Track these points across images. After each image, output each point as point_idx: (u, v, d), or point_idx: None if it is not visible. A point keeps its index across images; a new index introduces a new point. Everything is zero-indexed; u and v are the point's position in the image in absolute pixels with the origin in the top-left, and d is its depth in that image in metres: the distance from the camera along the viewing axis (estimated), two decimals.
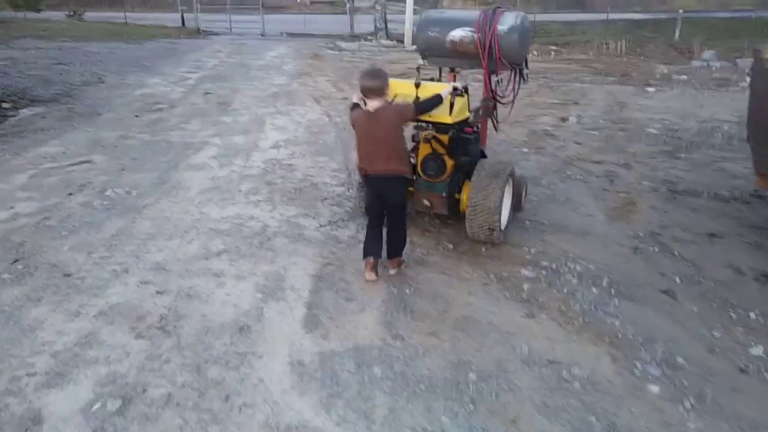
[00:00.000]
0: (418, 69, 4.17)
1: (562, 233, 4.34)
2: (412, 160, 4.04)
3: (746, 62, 14.01)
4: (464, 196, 3.99)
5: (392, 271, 3.69)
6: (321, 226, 4.44)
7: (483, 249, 4.05)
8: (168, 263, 3.80)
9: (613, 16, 26.45)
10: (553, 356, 2.90)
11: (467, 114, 3.99)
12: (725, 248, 4.10)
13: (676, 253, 4.03)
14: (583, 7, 39.46)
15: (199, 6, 24.83)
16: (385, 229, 3.72)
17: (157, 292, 3.43)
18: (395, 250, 3.70)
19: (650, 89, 10.13)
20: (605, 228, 4.45)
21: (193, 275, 3.65)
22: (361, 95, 3.42)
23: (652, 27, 23.67)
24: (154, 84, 10.98)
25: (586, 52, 16.73)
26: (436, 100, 3.59)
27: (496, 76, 4.21)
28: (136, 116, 8.23)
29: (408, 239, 3.91)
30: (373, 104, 3.35)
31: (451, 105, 3.71)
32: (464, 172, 4.05)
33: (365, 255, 3.63)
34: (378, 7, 21.25)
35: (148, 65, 13.46)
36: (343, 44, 19.12)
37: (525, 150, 6.50)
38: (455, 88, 3.76)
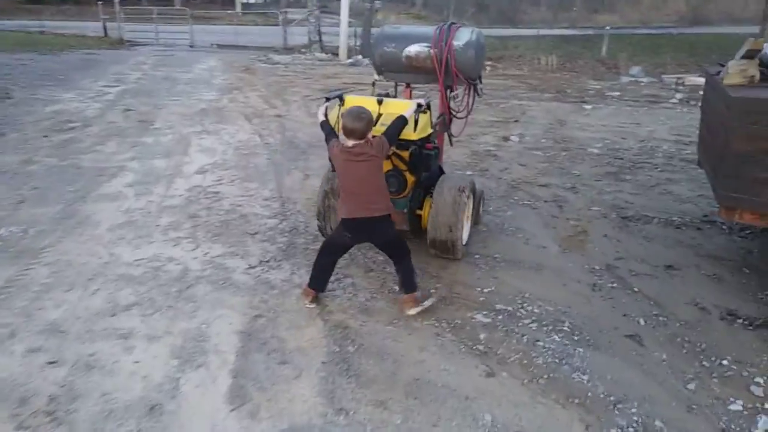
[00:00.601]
0: (373, 84, 4.25)
1: (515, 269, 4.02)
2: None
3: (670, 78, 14.52)
4: (425, 212, 3.97)
5: (412, 311, 3.36)
6: (250, 267, 3.94)
7: (432, 290, 3.67)
8: (66, 322, 3.20)
9: (543, 31, 27.04)
10: (520, 426, 2.52)
11: (430, 130, 3.91)
12: (685, 282, 3.88)
13: (635, 288, 3.77)
14: (513, 22, 40.44)
15: (122, 15, 23.59)
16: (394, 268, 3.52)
17: (49, 363, 2.85)
18: (408, 285, 3.42)
19: (587, 106, 10.13)
20: (560, 261, 4.16)
21: (95, 338, 3.07)
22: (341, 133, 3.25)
23: (580, 43, 24.23)
24: (68, 100, 10.10)
25: (520, 67, 16.83)
26: (401, 122, 3.42)
27: (452, 91, 4.21)
28: (45, 137, 7.44)
29: (350, 281, 3.50)
30: (352, 142, 3.19)
31: (416, 121, 3.65)
32: (425, 188, 4.03)
33: (311, 285, 3.45)
34: (312, 19, 20.79)
35: (62, 78, 12.46)
36: (276, 57, 18.53)
37: (469, 172, 6.20)
38: (419, 105, 3.67)
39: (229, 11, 41.46)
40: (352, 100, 3.72)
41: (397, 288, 3.67)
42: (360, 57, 17.68)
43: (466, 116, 4.43)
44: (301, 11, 23.92)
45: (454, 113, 4.39)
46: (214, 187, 5.57)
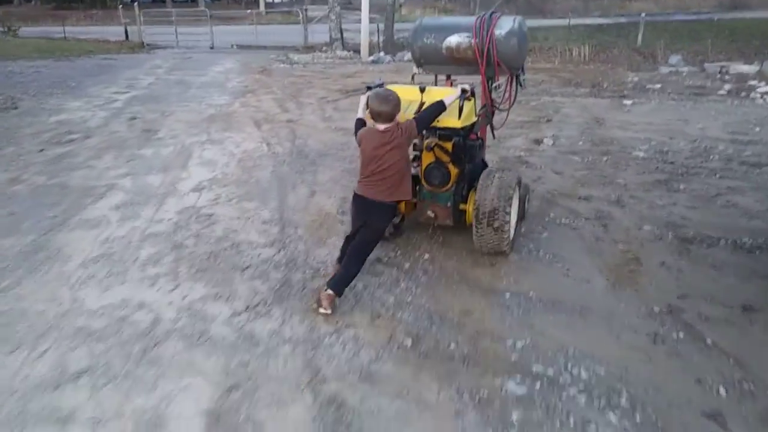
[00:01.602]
0: (412, 78, 4.19)
1: (555, 312, 3.29)
2: (414, 170, 3.84)
3: (713, 66, 13.44)
4: (470, 207, 3.84)
5: (321, 309, 3.20)
6: (234, 314, 3.29)
7: (452, 345, 2.97)
8: None
9: (574, 21, 25.90)
10: None
11: (474, 118, 3.87)
12: None
13: (708, 340, 3.01)
14: (542, 13, 39.17)
15: (142, 18, 23.33)
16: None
17: None
18: (337, 281, 3.31)
19: (627, 102, 9.24)
20: (609, 301, 3.41)
21: (26, 422, 2.46)
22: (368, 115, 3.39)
23: (613, 31, 23.10)
24: (75, 108, 9.64)
25: (550, 60, 15.91)
26: (438, 107, 3.49)
27: (495, 82, 4.09)
28: (41, 151, 6.94)
29: (352, 332, 2.86)
30: (382, 125, 3.31)
31: (460, 109, 3.61)
32: (469, 182, 3.95)
33: (330, 285, 3.30)
34: (333, 17, 20.15)
35: (73, 86, 12.06)
36: (295, 56, 17.96)
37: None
38: (464, 91, 3.64)
39: (251, 11, 41.24)
40: (393, 90, 3.49)
41: (410, 342, 3.00)
42: (382, 54, 16.97)
43: (509, 108, 4.32)
44: (324, 8, 23.32)
45: (496, 105, 4.29)
46: (208, 208, 4.95)
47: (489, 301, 3.38)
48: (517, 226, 4.11)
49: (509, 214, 3.65)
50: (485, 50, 3.75)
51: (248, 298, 3.47)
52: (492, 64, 3.82)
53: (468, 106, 3.66)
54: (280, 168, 6.13)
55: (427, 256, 3.98)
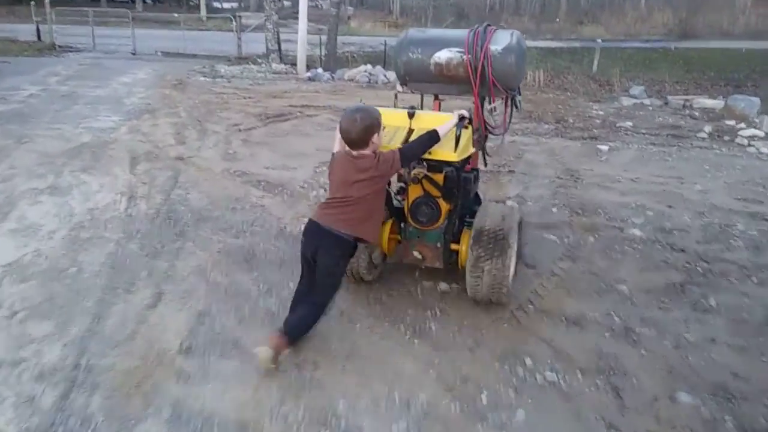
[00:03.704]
0: (395, 97, 3.70)
1: None
2: (397, 203, 3.54)
3: (677, 100, 12.38)
4: (464, 247, 3.40)
5: (264, 353, 2.68)
6: None
7: None
8: None
9: (527, 43, 24.82)
10: None
11: (472, 149, 3.43)
12: None
13: None
14: None
15: (54, 17, 20.70)
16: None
17: None
18: (291, 327, 2.82)
19: (602, 147, 7.63)
20: None
21: None
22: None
23: (567, 56, 22.15)
24: None
25: None
26: (429, 139, 2.99)
27: (490, 103, 3.71)
28: None
29: None
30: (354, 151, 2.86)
31: (457, 139, 3.15)
32: (461, 218, 3.52)
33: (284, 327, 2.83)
34: (269, 26, 18.12)
35: None
36: (223, 68, 15.86)
37: (442, 287, 3.68)
38: (462, 118, 3.18)
39: (190, 15, 38.73)
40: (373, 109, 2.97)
41: None
42: (320, 71, 15.07)
43: (503, 133, 3.94)
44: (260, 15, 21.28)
45: (490, 129, 3.81)
46: None
47: None
48: (517, 267, 3.64)
49: (509, 265, 3.24)
50: (479, 67, 3.35)
51: None
52: (486, 83, 3.42)
53: (465, 135, 3.22)
54: (127, 245, 4.14)
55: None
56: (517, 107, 3.86)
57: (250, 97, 11.05)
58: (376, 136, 2.84)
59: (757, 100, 10.83)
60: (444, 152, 3.13)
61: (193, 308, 3.34)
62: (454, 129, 3.13)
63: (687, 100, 12.52)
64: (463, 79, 3.48)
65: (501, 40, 3.41)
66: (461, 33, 3.49)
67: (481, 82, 3.43)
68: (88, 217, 4.64)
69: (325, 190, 5.55)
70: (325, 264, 2.86)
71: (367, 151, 2.83)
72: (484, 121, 3.73)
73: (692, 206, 5.36)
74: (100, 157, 6.45)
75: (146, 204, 4.99)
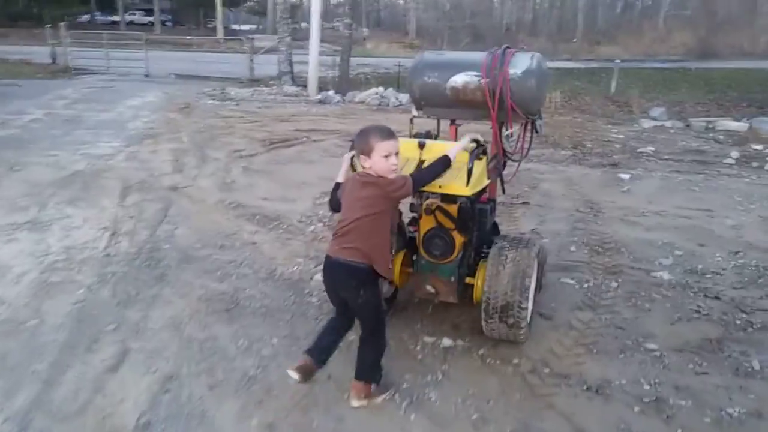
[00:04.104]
0: (411, 121, 3.56)
1: None
2: (410, 234, 3.47)
3: (700, 122, 11.87)
4: (479, 282, 3.22)
5: (355, 403, 2.67)
6: None
7: None
8: None
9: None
10: None
11: (487, 181, 3.19)
12: None
13: None
14: None
15: (69, 40, 20.79)
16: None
17: None
18: (361, 370, 2.73)
19: (623, 175, 7.17)
20: None
21: None
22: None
23: (584, 77, 21.77)
24: None
25: None
26: (441, 164, 2.79)
27: (508, 129, 3.55)
28: None
29: None
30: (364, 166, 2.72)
31: (469, 171, 2.88)
32: (476, 250, 3.37)
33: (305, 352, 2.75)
34: (282, 47, 18.00)
35: None
36: (234, 91, 15.69)
37: (445, 343, 3.25)
38: (477, 142, 3.04)
39: (208, 37, 39.06)
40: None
41: None
42: (331, 93, 14.80)
43: (521, 159, 3.72)
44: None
45: (509, 155, 3.61)
46: None
47: None
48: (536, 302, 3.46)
49: (526, 307, 3.09)
50: (497, 92, 3.19)
51: None
52: (505, 108, 3.26)
53: (479, 167, 3.00)
54: (99, 291, 3.77)
55: None
56: (537, 131, 3.66)
57: (256, 121, 10.76)
58: (379, 151, 2.62)
59: None
60: (455, 185, 2.92)
61: (159, 371, 2.94)
62: (467, 162, 2.90)
63: (709, 122, 12.01)
64: (481, 104, 3.32)
65: (521, 63, 3.26)
66: (479, 56, 3.35)
67: (500, 107, 3.26)
68: (63, 257, 4.29)
69: (324, 224, 5.18)
70: (349, 298, 2.71)
71: (370, 170, 2.69)
72: (503, 148, 3.54)
73: (725, 244, 4.86)
74: (91, 187, 6.14)
75: (128, 241, 4.63)
